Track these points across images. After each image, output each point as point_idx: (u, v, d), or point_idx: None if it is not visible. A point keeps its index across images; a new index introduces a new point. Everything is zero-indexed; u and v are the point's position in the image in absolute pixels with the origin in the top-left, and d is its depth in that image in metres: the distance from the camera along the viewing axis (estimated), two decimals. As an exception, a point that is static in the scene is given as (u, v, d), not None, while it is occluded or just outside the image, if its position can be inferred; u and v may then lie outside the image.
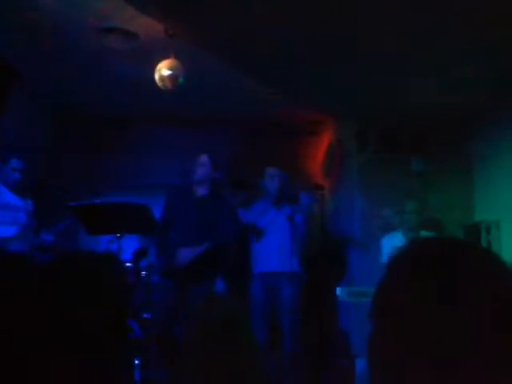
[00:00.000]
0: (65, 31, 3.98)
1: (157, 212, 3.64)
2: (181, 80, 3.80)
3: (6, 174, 3.46)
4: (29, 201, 3.64)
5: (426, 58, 3.99)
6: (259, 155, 5.75)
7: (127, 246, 3.59)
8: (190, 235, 3.65)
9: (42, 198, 5.07)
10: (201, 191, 3.90)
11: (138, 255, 4.16)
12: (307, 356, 4.18)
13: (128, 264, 4.02)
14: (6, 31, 3.87)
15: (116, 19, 3.84)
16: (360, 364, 3.69)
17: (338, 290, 3.74)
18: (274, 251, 4.00)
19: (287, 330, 3.91)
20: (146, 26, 3.86)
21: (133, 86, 4.75)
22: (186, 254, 3.59)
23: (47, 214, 4.01)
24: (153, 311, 3.90)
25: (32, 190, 5.13)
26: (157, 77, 3.78)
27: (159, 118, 5.66)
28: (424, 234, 3.99)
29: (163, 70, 3.74)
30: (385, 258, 4.05)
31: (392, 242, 4.05)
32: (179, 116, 5.65)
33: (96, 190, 4.63)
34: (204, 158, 3.97)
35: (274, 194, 4.19)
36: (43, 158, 5.50)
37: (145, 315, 3.90)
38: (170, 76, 3.73)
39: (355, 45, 3.94)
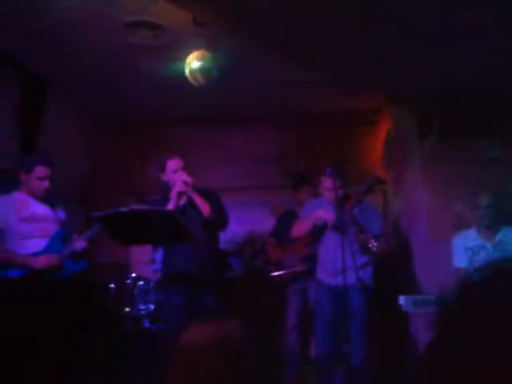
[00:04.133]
0: (93, 32, 3.79)
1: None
2: (214, 73, 3.47)
3: (33, 184, 3.26)
4: (60, 210, 3.44)
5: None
6: (312, 149, 5.35)
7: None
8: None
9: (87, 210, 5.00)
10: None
11: None
12: (374, 370, 3.71)
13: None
14: (29, 37, 3.73)
15: (142, 13, 3.60)
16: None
17: (402, 299, 3.24)
18: (332, 259, 3.55)
19: (356, 343, 3.46)
20: (173, 17, 3.57)
21: (167, 85, 4.48)
22: None
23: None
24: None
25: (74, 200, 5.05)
26: (187, 71, 3.47)
27: (198, 118, 5.39)
28: (506, 230, 3.39)
29: (193, 62, 3.43)
30: (458, 260, 3.49)
31: (465, 242, 3.48)
32: (221, 115, 5.35)
33: (141, 196, 4.42)
34: (180, 162, 3.49)
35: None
36: (84, 165, 5.42)
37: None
38: (201, 69, 3.41)
39: (411, 21, 3.45)
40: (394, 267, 4.39)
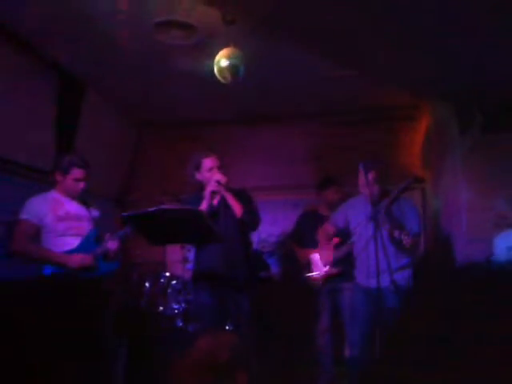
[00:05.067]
0: (127, 32, 3.84)
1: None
2: (241, 70, 3.43)
3: (69, 185, 3.34)
4: (94, 209, 3.49)
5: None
6: (348, 146, 5.24)
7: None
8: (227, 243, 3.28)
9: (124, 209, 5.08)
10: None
11: None
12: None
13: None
14: (65, 38, 3.81)
15: (172, 13, 3.61)
16: None
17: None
18: (365, 261, 3.45)
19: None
20: (202, 16, 3.56)
21: (203, 84, 4.49)
22: None
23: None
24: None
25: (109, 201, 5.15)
26: (216, 69, 3.45)
27: (233, 118, 5.38)
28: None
29: (222, 60, 3.41)
30: (498, 260, 3.32)
31: (508, 241, 3.31)
32: (256, 114, 5.32)
33: (176, 195, 4.46)
34: (215, 161, 3.45)
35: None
36: (122, 164, 5.50)
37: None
38: (229, 67, 3.38)
39: (448, 15, 3.29)
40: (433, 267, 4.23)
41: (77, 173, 3.33)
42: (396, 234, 3.27)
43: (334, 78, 4.42)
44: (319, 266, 4.11)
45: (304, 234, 4.38)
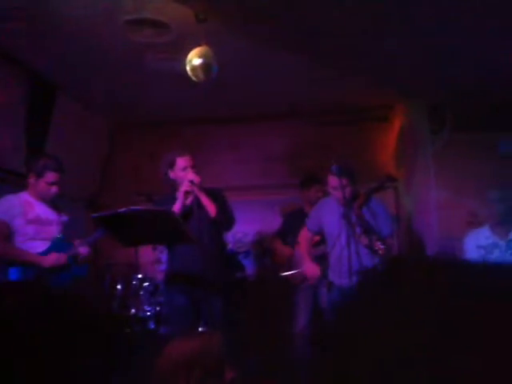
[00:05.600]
0: (98, 32, 3.77)
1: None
2: (214, 69, 3.40)
3: (42, 188, 3.26)
4: (63, 213, 3.43)
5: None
6: (324, 147, 5.24)
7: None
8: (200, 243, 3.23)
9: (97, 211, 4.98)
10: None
11: None
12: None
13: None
14: (34, 39, 3.72)
15: (145, 11, 3.55)
16: None
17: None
18: (338, 261, 3.46)
19: None
20: (175, 14, 3.52)
21: (177, 83, 4.44)
22: None
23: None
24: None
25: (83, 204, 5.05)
26: (188, 68, 3.41)
27: (207, 117, 5.34)
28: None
29: (194, 59, 3.37)
30: (468, 257, 3.35)
31: (477, 240, 3.34)
32: (231, 113, 5.29)
33: (149, 196, 4.40)
34: (189, 160, 3.39)
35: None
36: (94, 166, 5.41)
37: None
38: (201, 65, 3.35)
39: (423, 20, 3.31)
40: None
41: (51, 176, 3.25)
42: (366, 241, 3.27)
43: (310, 79, 4.43)
44: (300, 263, 4.11)
45: (289, 233, 4.37)
